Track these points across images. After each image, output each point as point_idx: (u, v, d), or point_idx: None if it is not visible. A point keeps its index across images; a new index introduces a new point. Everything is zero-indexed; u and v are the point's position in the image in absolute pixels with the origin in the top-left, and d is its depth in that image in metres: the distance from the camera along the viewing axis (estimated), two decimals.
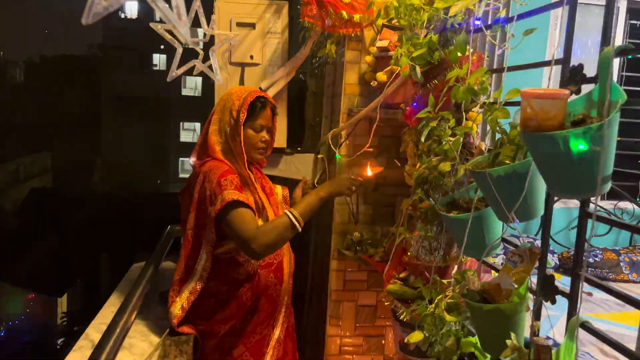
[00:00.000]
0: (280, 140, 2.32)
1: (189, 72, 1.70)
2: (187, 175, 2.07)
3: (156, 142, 19.65)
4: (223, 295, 1.78)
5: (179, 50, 1.52)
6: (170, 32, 1.45)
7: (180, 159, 20.31)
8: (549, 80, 1.12)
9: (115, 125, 19.57)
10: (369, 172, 1.97)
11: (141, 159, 19.11)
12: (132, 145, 19.21)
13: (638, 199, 3.08)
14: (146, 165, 19.08)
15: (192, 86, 20.53)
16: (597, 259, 2.65)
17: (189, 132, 20.70)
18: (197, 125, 20.30)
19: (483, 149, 1.44)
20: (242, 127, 1.75)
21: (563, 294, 1.13)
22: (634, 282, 2.62)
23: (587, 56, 2.96)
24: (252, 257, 1.73)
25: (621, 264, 2.66)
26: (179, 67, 1.57)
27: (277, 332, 1.88)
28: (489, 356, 1.37)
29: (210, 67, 1.63)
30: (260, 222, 1.85)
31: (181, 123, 20.56)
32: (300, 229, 1.70)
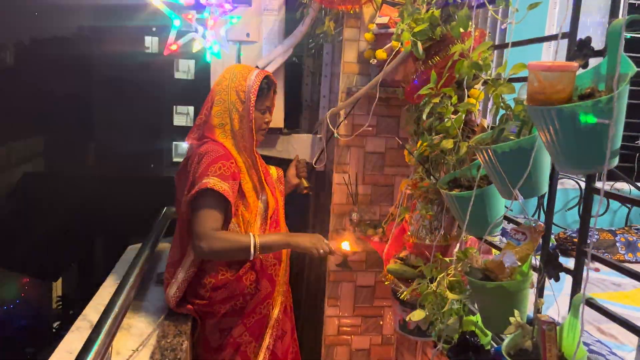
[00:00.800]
0: (278, 121, 2.29)
1: (182, 53, 1.67)
2: (180, 159, 2.06)
3: (149, 126, 19.44)
4: (223, 275, 1.78)
5: (176, 22, 1.48)
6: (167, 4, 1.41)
7: (174, 142, 20.12)
8: (555, 54, 1.09)
9: (108, 109, 19.31)
10: (346, 247, 2.02)
11: (134, 142, 18.92)
12: (124, 128, 19.00)
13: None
14: (139, 149, 18.89)
15: (185, 69, 20.25)
16: (593, 239, 2.65)
17: (182, 116, 20.46)
18: (191, 108, 20.09)
19: (485, 126, 1.42)
20: (253, 109, 1.73)
21: (567, 270, 1.12)
22: (629, 262, 2.63)
23: (586, 35, 2.93)
24: (195, 251, 1.72)
25: (617, 244, 2.66)
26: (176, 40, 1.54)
27: (275, 312, 1.88)
28: (489, 334, 1.37)
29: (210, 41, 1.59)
30: (260, 204, 1.84)
31: (174, 106, 20.33)
32: (252, 258, 1.71)
